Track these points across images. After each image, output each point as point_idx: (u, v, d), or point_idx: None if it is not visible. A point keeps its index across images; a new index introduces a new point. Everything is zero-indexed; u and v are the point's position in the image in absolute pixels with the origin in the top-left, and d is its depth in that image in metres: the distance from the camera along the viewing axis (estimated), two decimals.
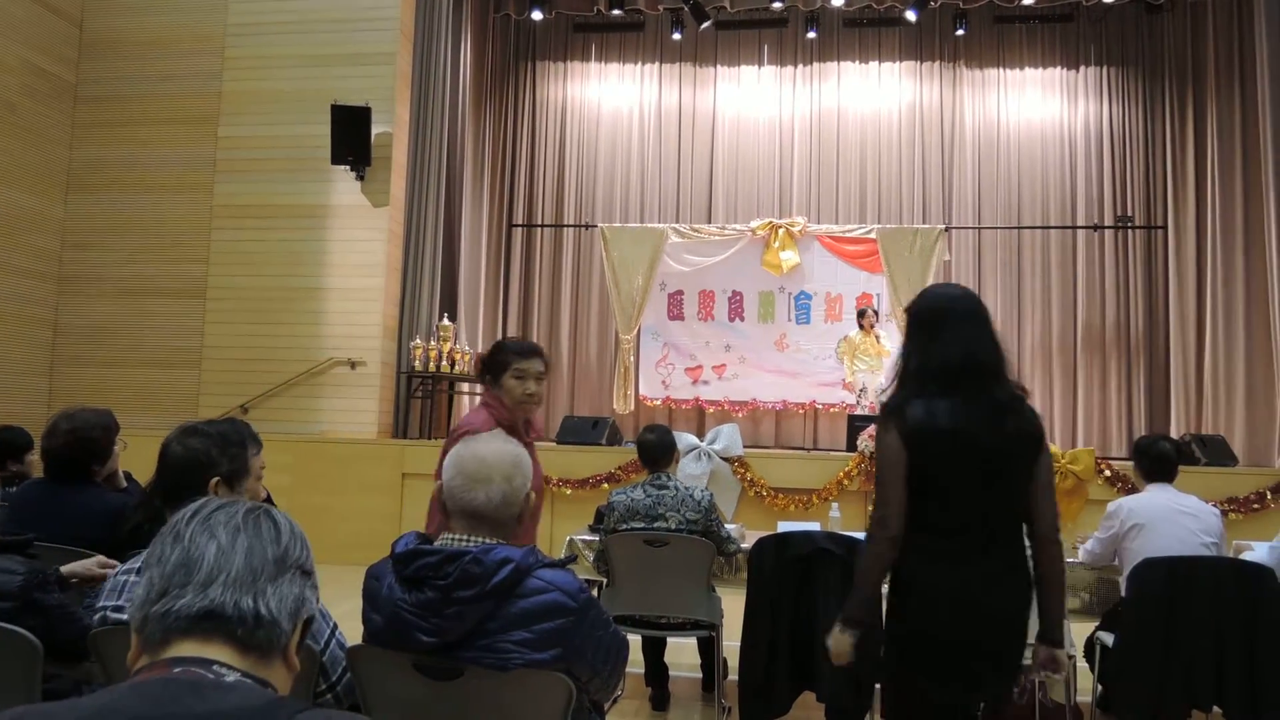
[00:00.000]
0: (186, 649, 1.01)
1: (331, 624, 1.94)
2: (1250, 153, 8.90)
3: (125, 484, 3.13)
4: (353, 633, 1.92)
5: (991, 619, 2.11)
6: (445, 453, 2.12)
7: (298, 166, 8.19)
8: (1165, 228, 9.87)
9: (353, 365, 7.91)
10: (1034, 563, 2.17)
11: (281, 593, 1.07)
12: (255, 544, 1.08)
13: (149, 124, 8.49)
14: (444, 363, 7.98)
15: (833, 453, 7.90)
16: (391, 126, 8.12)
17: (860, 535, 2.69)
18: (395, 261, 8.28)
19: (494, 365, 2.86)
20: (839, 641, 2.20)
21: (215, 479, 2.18)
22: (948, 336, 2.14)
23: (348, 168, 8.02)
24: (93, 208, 8.49)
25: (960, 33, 10.14)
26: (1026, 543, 2.19)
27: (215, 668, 0.99)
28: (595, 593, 3.98)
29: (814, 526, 4.21)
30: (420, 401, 8.23)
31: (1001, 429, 2.10)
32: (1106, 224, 10.10)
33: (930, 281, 9.51)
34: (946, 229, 9.84)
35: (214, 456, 2.22)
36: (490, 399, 2.86)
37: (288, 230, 8.17)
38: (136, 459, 3.12)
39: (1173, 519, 3.49)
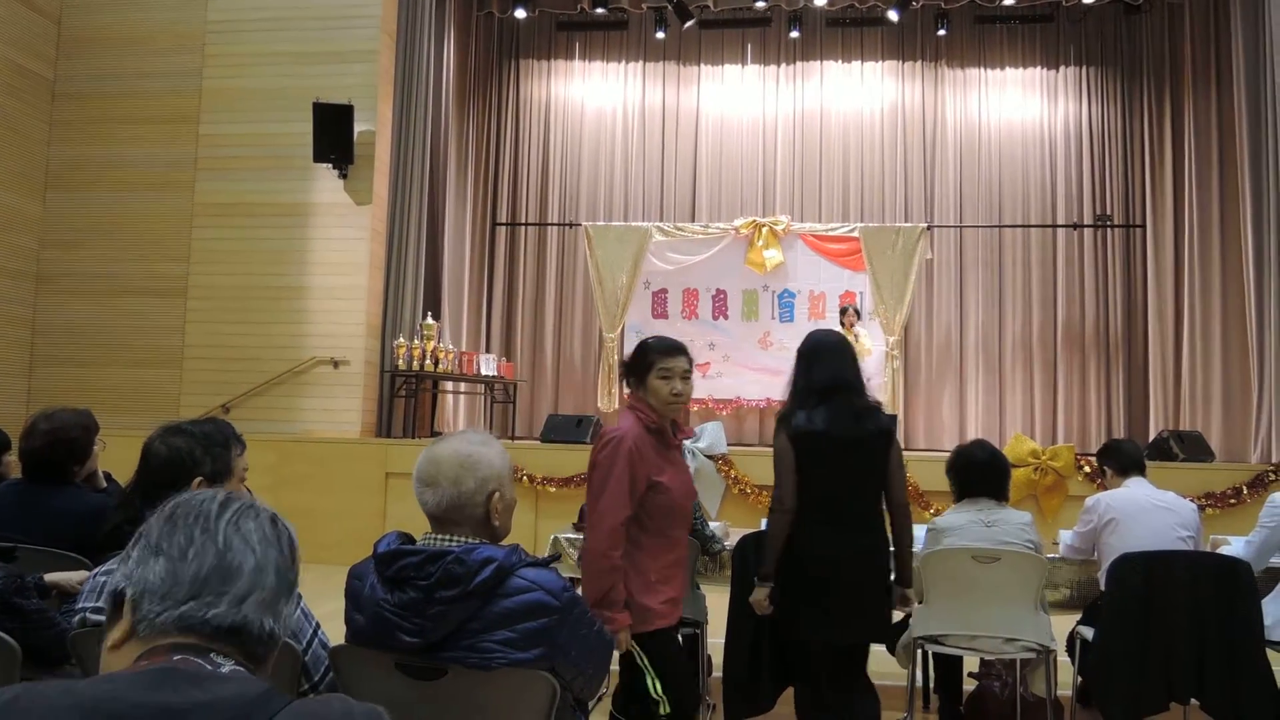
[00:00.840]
0: (189, 640, 1.03)
1: (314, 624, 1.93)
2: (1226, 152, 9.00)
3: (105, 484, 3.11)
4: (335, 633, 1.92)
5: (853, 562, 2.92)
6: (596, 466, 2.63)
7: (279, 165, 8.14)
8: (1144, 226, 9.97)
9: (335, 364, 7.87)
10: (890, 524, 3.02)
11: (288, 613, 1.11)
12: (280, 561, 1.11)
13: (129, 122, 8.42)
14: (428, 361, 7.95)
15: None
16: (374, 124, 8.09)
17: None
18: (378, 260, 8.25)
19: (638, 367, 2.76)
20: (756, 594, 3.00)
21: (198, 479, 2.17)
22: (822, 365, 3.00)
23: (330, 166, 7.98)
24: (72, 206, 8.41)
25: (942, 33, 10.20)
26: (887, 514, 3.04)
27: (212, 656, 1.01)
28: (579, 591, 3.98)
29: None
30: (404, 401, 8.20)
31: (860, 428, 2.94)
32: (1086, 223, 10.19)
33: (913, 280, 9.60)
34: (928, 228, 9.90)
35: (197, 456, 2.21)
36: (636, 402, 2.75)
37: (270, 229, 8.12)
38: (116, 459, 3.10)
39: (1150, 513, 3.53)
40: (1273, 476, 6.51)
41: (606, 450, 2.61)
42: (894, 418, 3.23)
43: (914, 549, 3.74)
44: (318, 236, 8.09)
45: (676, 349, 2.76)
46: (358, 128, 7.96)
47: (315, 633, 1.91)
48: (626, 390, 2.84)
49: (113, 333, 8.24)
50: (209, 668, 0.99)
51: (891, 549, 3.05)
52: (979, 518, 3.46)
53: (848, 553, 2.90)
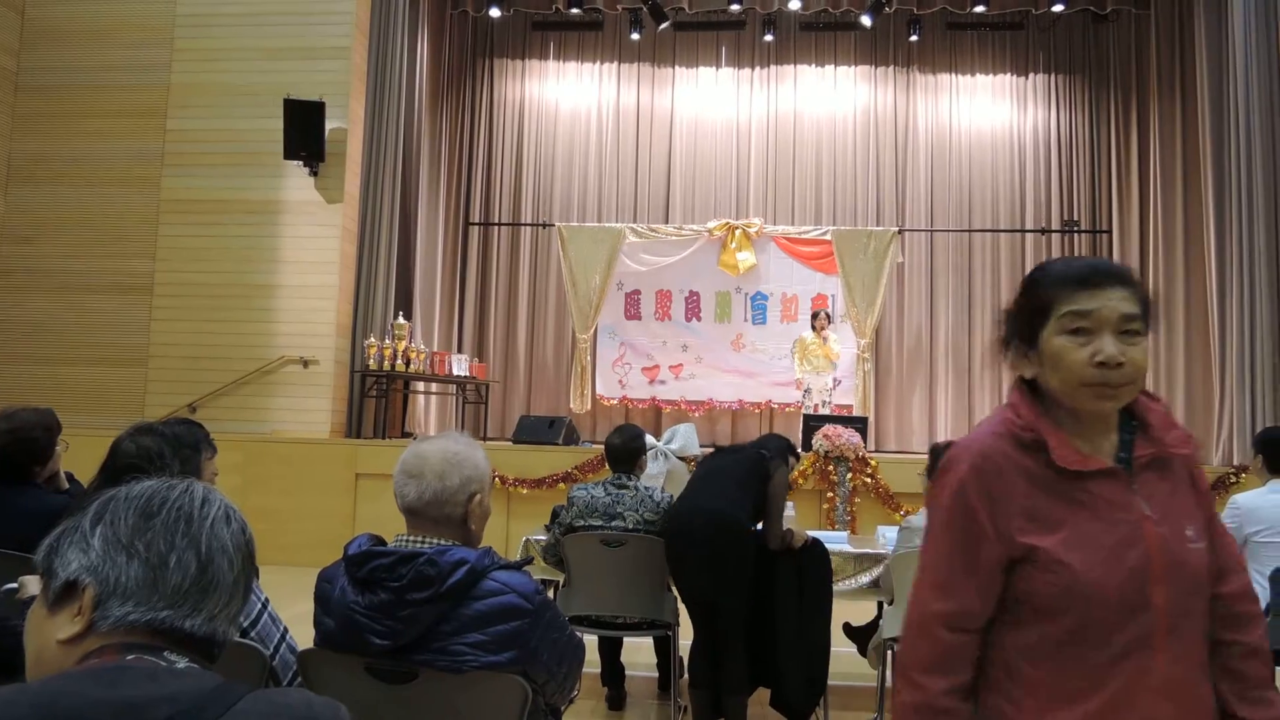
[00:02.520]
0: (147, 640, 1.01)
1: (282, 628, 1.91)
2: (1190, 159, 9.16)
3: (67, 485, 3.05)
4: (303, 636, 1.89)
5: (707, 523, 3.46)
6: (939, 488, 1.40)
7: (249, 161, 8.04)
8: (1110, 232, 10.14)
9: (305, 364, 7.79)
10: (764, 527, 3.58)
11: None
12: (249, 571, 1.10)
13: (94, 116, 8.28)
14: (399, 361, 7.89)
15: None
16: (346, 122, 8.02)
17: (833, 535, 4.09)
18: (349, 259, 8.17)
19: (1027, 313, 1.41)
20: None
21: None
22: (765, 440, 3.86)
23: (301, 163, 7.90)
24: (35, 201, 8.25)
25: (914, 38, 10.30)
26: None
27: (166, 654, 1.00)
28: (551, 594, 3.97)
29: None
30: (374, 401, 8.13)
31: (726, 454, 3.77)
32: (1054, 228, 10.34)
33: (884, 283, 9.69)
34: (900, 231, 9.99)
35: (166, 457, 2.18)
36: (1019, 400, 1.42)
37: (238, 226, 8.02)
38: (79, 459, 3.04)
39: None
40: (1235, 479, 6.64)
41: (937, 483, 1.43)
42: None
43: (885, 549, 3.86)
44: (287, 234, 8.00)
45: (1102, 273, 1.35)
46: (329, 125, 7.88)
47: (283, 637, 1.89)
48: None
49: (76, 330, 8.09)
50: (164, 664, 0.99)
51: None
52: None
53: (698, 514, 3.50)
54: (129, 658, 0.98)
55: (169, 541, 1.04)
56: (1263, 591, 3.47)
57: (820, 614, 3.58)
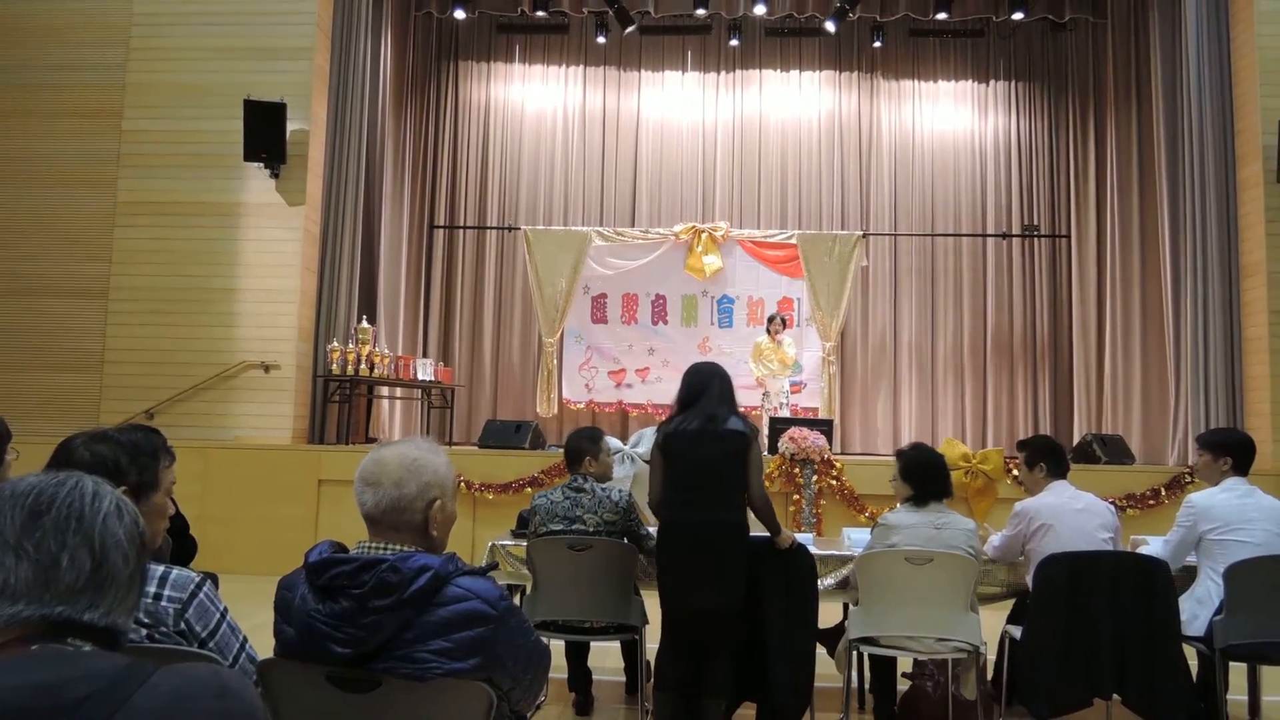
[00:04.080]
0: (47, 631, 1.02)
1: (241, 637, 1.88)
2: (1146, 166, 9.36)
3: None
4: (264, 646, 1.86)
5: (710, 541, 3.36)
6: None
7: (208, 163, 7.91)
8: (1069, 236, 10.32)
9: (266, 369, 7.67)
10: (752, 509, 3.49)
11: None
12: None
13: (47, 115, 8.10)
14: (362, 366, 7.81)
15: None
16: (308, 124, 7.92)
17: (799, 537, 3.80)
18: (311, 262, 8.07)
19: None
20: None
21: (121, 489, 2.09)
22: (690, 384, 3.64)
23: (261, 165, 7.79)
24: None
25: (877, 45, 10.42)
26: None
27: (71, 640, 1.01)
28: (517, 599, 3.95)
29: None
30: (337, 406, 8.03)
31: (714, 432, 3.44)
32: (1014, 232, 10.50)
33: (849, 287, 9.78)
34: (864, 235, 10.09)
35: (122, 465, 2.12)
36: None
37: (197, 228, 7.88)
38: (32, 468, 2.96)
39: (1074, 516, 3.65)
40: (1189, 478, 6.77)
41: None
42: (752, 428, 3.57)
43: (852, 550, 3.88)
44: (248, 237, 7.88)
45: None
46: (290, 126, 7.78)
47: (243, 646, 1.86)
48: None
49: (28, 335, 7.90)
50: (70, 650, 1.00)
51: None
52: (930, 519, 3.53)
53: (700, 528, 3.41)
54: (34, 647, 0.99)
55: (60, 540, 1.03)
56: (1217, 588, 3.55)
57: (807, 621, 3.55)
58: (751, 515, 3.51)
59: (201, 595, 1.86)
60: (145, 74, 8.06)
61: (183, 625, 1.82)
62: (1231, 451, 3.83)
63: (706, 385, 3.58)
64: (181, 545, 3.24)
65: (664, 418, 3.93)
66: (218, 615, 1.87)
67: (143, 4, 8.12)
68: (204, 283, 7.83)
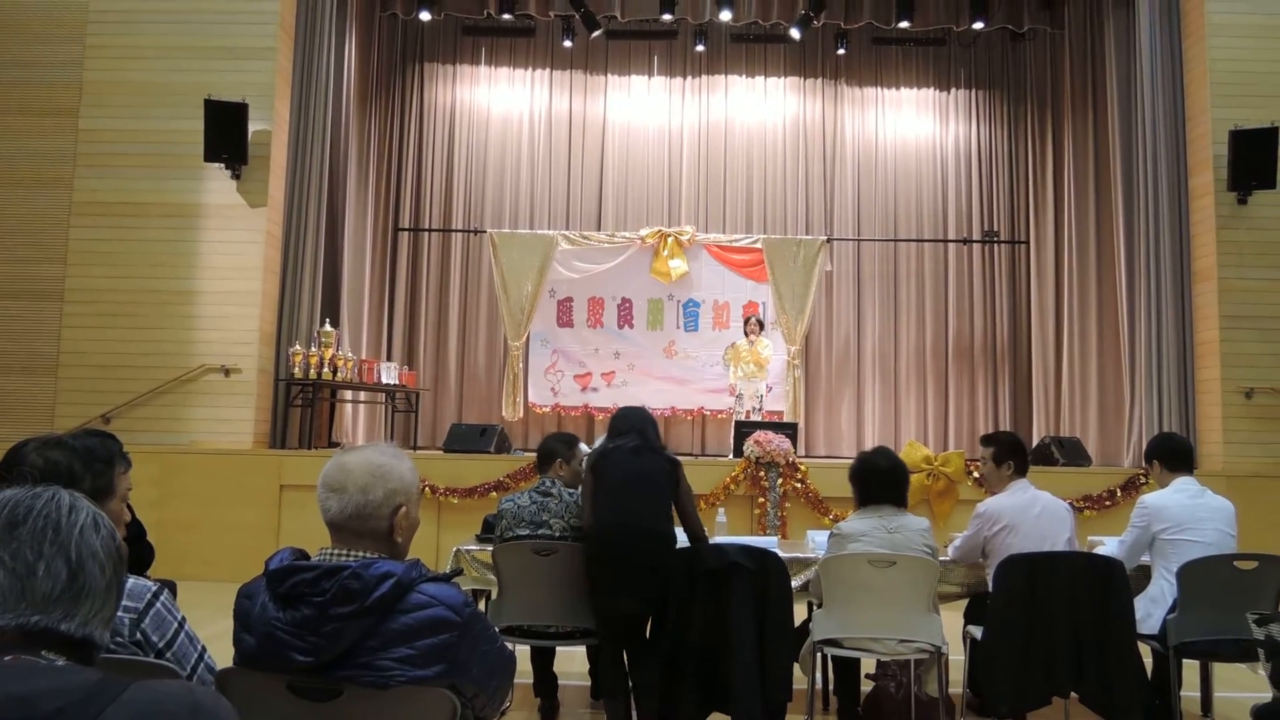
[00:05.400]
0: (20, 642, 1.02)
1: (199, 647, 1.85)
2: (1102, 173, 9.55)
3: None
4: (223, 655, 1.84)
5: (641, 549, 3.51)
6: None
7: (168, 163, 7.79)
8: (1027, 242, 10.50)
9: (226, 372, 7.56)
10: (685, 529, 3.74)
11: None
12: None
13: (1, 113, 7.91)
14: (325, 370, 7.72)
15: (720, 458, 8.04)
16: (270, 124, 7.83)
17: (764, 540, 4.09)
18: (273, 264, 7.97)
19: None
20: None
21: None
22: (624, 417, 3.82)
23: (222, 165, 7.68)
24: None
25: (841, 52, 10.53)
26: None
27: (44, 653, 1.02)
28: (482, 605, 3.93)
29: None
30: (300, 410, 7.93)
31: (650, 448, 3.69)
32: (975, 238, 10.66)
33: (813, 291, 9.87)
34: (828, 240, 10.18)
35: (76, 472, 2.08)
36: None
37: (156, 230, 7.75)
38: None
39: (1034, 518, 3.72)
40: (1144, 480, 6.92)
41: None
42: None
43: (815, 553, 3.90)
44: (208, 239, 7.77)
45: None
46: (253, 127, 7.68)
47: (201, 656, 1.83)
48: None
49: None
50: (43, 663, 1.00)
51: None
52: (881, 524, 3.55)
53: (634, 545, 3.54)
54: (6, 658, 0.99)
55: (36, 550, 1.04)
56: (1170, 587, 3.63)
57: (783, 634, 3.44)
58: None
59: (158, 605, 1.83)
60: (103, 72, 7.92)
61: (139, 635, 1.79)
62: (1159, 455, 3.96)
63: (640, 419, 3.82)
64: (138, 553, 3.18)
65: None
66: (175, 624, 1.84)
67: (100, 2, 7.97)
68: (163, 285, 7.70)
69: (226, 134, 7.56)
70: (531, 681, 4.02)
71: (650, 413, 3.92)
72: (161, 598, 1.85)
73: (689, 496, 3.73)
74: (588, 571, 3.59)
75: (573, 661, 4.31)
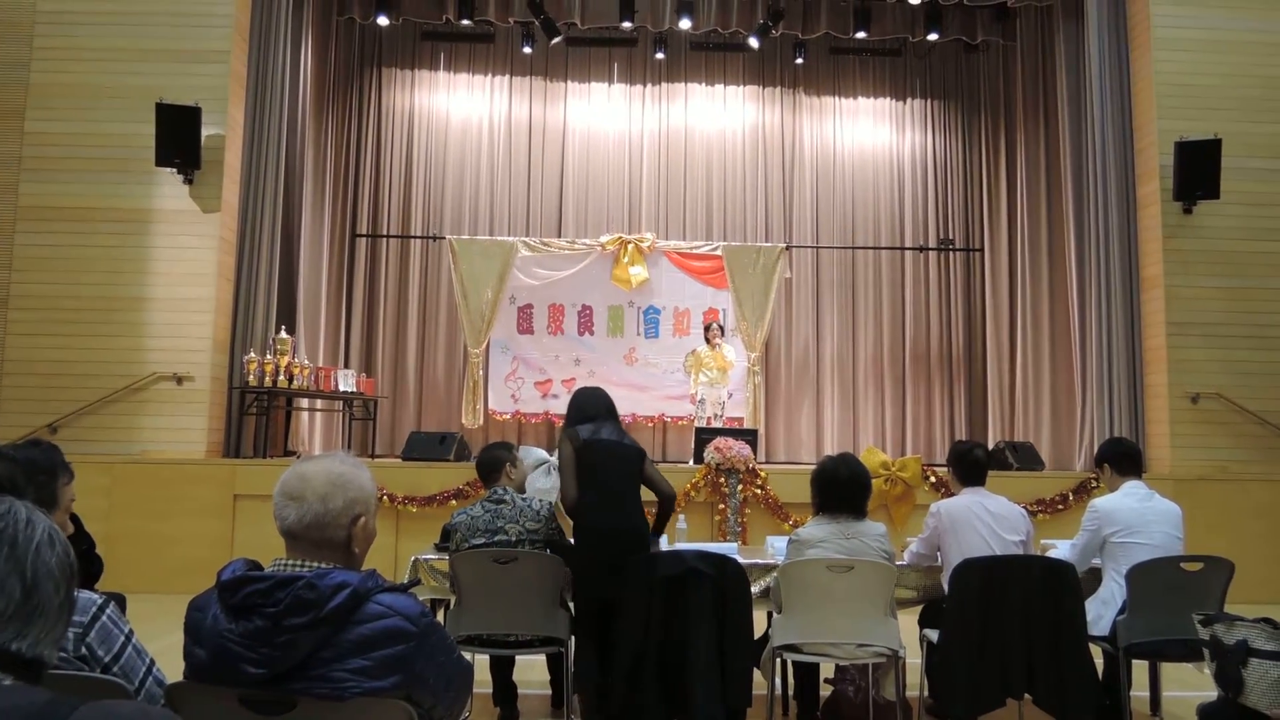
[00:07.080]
0: None
1: (148, 660, 1.81)
2: (1054, 182, 9.76)
3: None
4: (174, 669, 1.80)
5: (622, 543, 3.69)
6: None
7: (118, 167, 7.62)
8: (982, 250, 10.70)
9: (179, 380, 7.41)
10: (661, 500, 3.97)
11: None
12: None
13: None
14: (281, 377, 7.60)
15: (680, 465, 8.05)
16: (224, 129, 7.70)
17: (724, 546, 4.18)
18: (227, 270, 7.83)
19: None
20: None
21: None
22: (591, 399, 4.10)
23: (174, 170, 7.54)
24: None
25: (799, 61, 10.66)
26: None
27: None
28: (440, 615, 3.89)
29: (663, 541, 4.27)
30: (254, 418, 7.80)
31: (624, 445, 3.89)
32: (931, 245, 10.83)
33: (773, 298, 9.94)
34: (787, 247, 10.27)
35: (18, 483, 2.03)
36: None
37: (106, 235, 7.58)
38: None
39: (985, 520, 3.78)
40: (1095, 484, 7.06)
41: None
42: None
43: (775, 559, 3.92)
44: (160, 245, 7.61)
45: None
46: (206, 131, 7.55)
47: (149, 670, 1.79)
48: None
49: None
50: None
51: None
52: (839, 530, 3.58)
53: (613, 527, 3.78)
54: None
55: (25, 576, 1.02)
56: (1120, 589, 3.71)
57: (742, 640, 3.42)
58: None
59: (104, 618, 1.79)
60: (50, 74, 7.73)
61: (84, 650, 1.75)
62: (1109, 460, 4.05)
63: (607, 401, 4.09)
64: (85, 566, 3.10)
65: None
66: (122, 638, 1.80)
67: (47, 2, 7.79)
68: (112, 291, 7.52)
69: (179, 138, 7.43)
70: (491, 690, 3.99)
71: (606, 395, 4.15)
72: (108, 611, 1.81)
73: (653, 467, 4.00)
74: (578, 561, 3.72)
75: (532, 670, 4.29)
